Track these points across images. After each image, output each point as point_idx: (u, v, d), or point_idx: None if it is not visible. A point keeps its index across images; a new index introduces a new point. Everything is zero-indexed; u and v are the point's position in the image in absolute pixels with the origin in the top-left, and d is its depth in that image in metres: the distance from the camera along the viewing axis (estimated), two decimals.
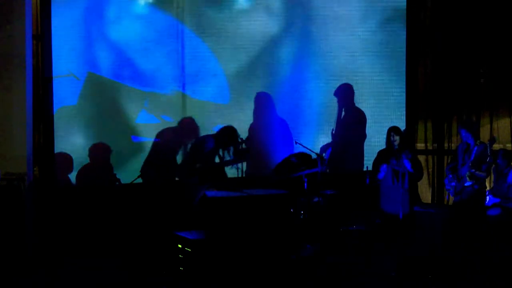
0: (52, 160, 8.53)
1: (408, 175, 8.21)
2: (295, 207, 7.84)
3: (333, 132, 9.26)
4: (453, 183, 8.39)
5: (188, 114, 8.95)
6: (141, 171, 8.58)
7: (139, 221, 8.48)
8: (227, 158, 8.29)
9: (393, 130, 8.52)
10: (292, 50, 9.20)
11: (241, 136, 8.32)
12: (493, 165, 8.28)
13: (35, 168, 8.19)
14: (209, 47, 9.03)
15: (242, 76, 9.11)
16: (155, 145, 8.84)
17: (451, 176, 8.43)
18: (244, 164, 8.51)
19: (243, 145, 8.29)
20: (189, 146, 8.83)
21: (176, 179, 8.79)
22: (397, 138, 8.46)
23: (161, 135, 8.86)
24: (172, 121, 8.93)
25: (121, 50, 8.77)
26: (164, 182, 8.71)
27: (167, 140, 8.87)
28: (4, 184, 7.47)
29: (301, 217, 7.88)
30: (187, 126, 8.90)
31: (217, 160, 8.30)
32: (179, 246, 6.93)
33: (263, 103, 9.14)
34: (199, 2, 8.97)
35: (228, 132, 8.23)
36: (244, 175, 8.66)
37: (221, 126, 8.43)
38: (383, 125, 8.96)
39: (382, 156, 8.56)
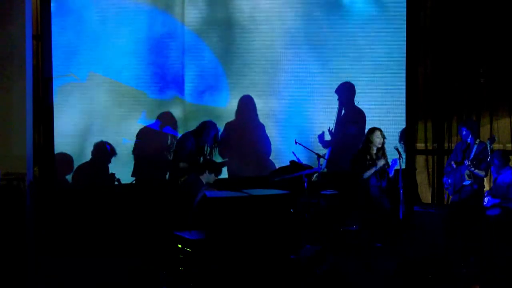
0: (52, 160, 8.54)
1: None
2: (296, 207, 7.84)
3: (332, 130, 9.26)
4: (450, 180, 8.39)
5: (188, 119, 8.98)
6: (132, 175, 8.66)
7: (139, 221, 8.48)
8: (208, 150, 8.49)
9: (379, 131, 8.50)
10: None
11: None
12: (491, 166, 8.28)
13: (35, 168, 8.17)
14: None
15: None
16: (138, 146, 8.85)
17: (446, 178, 8.45)
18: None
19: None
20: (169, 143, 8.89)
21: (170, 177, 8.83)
22: (382, 139, 8.47)
23: (141, 135, 8.87)
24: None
25: (121, 51, 8.78)
26: (160, 182, 8.71)
27: (149, 140, 8.88)
28: (4, 184, 7.45)
29: (306, 215, 7.92)
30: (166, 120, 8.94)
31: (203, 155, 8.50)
32: (179, 246, 6.92)
33: (248, 105, 9.17)
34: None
35: (205, 125, 8.37)
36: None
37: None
38: (382, 125, 8.95)
39: (362, 155, 8.55)
